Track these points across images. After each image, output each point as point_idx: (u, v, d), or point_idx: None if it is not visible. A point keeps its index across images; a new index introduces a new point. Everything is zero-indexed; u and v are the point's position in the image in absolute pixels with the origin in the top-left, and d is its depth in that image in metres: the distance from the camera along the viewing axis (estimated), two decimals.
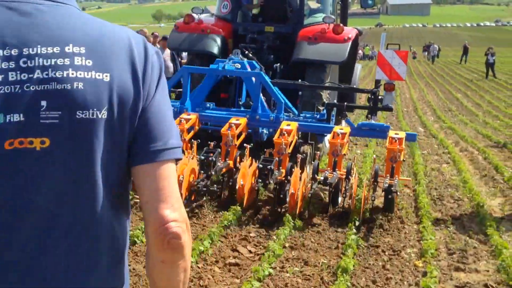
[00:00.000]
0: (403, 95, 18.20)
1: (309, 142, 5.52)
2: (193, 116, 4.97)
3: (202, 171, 4.35)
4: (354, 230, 4.04)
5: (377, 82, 5.92)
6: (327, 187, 4.45)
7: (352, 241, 3.72)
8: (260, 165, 4.29)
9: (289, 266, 3.45)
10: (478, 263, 3.57)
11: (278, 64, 6.43)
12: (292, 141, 4.68)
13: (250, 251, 3.78)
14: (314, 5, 7.16)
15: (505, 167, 6.48)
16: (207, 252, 3.62)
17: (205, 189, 4.27)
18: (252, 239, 3.96)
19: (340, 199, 4.56)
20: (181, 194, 4.25)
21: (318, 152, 5.04)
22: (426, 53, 45.04)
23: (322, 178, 4.25)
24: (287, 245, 3.80)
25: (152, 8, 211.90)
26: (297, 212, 4.24)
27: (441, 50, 44.94)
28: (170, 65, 11.11)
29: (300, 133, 5.26)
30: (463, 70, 29.91)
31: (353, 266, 3.36)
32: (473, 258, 3.64)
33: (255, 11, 7.24)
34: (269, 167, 4.23)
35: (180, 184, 4.25)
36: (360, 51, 38.70)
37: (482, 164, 6.83)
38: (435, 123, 11.86)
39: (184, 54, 11.89)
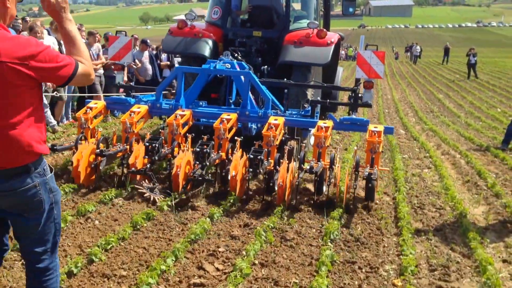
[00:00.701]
0: (384, 96, 18.09)
1: (295, 137, 5.79)
2: (187, 112, 5.35)
3: (198, 162, 4.67)
4: (330, 244, 3.77)
5: (357, 81, 6.29)
6: (312, 179, 4.86)
7: (327, 257, 3.44)
8: (251, 156, 4.61)
9: (257, 287, 3.16)
10: (462, 280, 3.33)
11: (266, 66, 6.82)
12: (279, 134, 5.02)
13: (217, 269, 3.46)
14: (299, 11, 7.67)
15: (488, 172, 6.30)
16: (169, 271, 3.30)
17: (201, 178, 4.57)
18: (220, 254, 3.65)
19: (324, 187, 4.87)
20: (178, 185, 4.57)
21: (304, 144, 5.37)
22: (409, 53, 45.30)
23: (308, 167, 4.58)
24: (257, 262, 3.49)
25: (139, 11, 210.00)
26: (286, 200, 4.54)
27: (423, 50, 45.24)
28: (149, 67, 10.70)
29: (286, 128, 5.54)
30: (444, 71, 30.06)
31: (327, 286, 3.08)
32: (456, 275, 3.39)
33: (243, 17, 7.64)
34: (259, 157, 4.57)
35: (177, 175, 4.55)
36: (343, 52, 38.78)
37: (464, 169, 6.63)
38: (416, 124, 11.71)
39: (163, 56, 11.52)
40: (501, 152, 7.73)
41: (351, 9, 8.04)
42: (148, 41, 11.10)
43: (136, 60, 10.25)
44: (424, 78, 25.56)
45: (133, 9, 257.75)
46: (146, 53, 10.71)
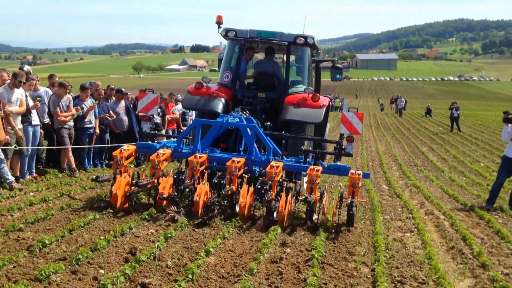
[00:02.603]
0: (369, 148, 17.93)
1: (293, 180, 7.24)
2: (204, 155, 6.57)
3: (215, 191, 5.92)
4: None
5: (341, 135, 7.55)
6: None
7: None
8: (258, 186, 5.86)
9: None
10: None
11: (269, 122, 8.04)
12: (279, 173, 6.22)
13: None
14: (295, 77, 9.03)
15: (473, 237, 5.88)
16: None
17: (217, 204, 5.83)
18: None
19: (315, 216, 6.05)
20: (198, 212, 5.75)
21: (299, 181, 7.04)
22: (394, 105, 46.06)
23: (303, 198, 5.83)
24: None
25: (133, 60, 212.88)
26: (284, 224, 5.76)
27: (407, 102, 46.08)
28: (125, 118, 10.30)
29: (284, 173, 6.78)
30: (428, 123, 30.36)
31: None
32: None
33: (250, 81, 8.97)
34: (264, 187, 5.84)
35: (198, 203, 5.76)
36: (330, 103, 39.17)
37: (448, 233, 6.22)
38: (400, 179, 11.41)
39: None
40: (486, 213, 7.38)
41: (338, 76, 9.69)
42: (123, 89, 10.74)
43: (111, 112, 9.90)
44: (408, 130, 25.68)
45: (127, 58, 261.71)
46: (122, 104, 10.32)
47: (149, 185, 6.29)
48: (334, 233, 5.75)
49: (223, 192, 5.91)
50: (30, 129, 7.73)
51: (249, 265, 4.38)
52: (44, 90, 8.79)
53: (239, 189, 6.04)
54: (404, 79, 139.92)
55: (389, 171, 12.40)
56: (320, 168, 6.40)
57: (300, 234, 5.60)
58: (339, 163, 7.12)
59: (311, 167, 6.30)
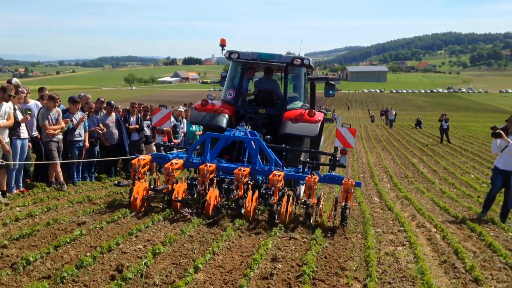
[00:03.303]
0: (360, 160, 17.95)
1: (291, 188, 8.00)
2: (213, 165, 7.30)
3: (224, 195, 6.68)
4: None
5: (335, 148, 8.29)
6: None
7: None
8: (263, 191, 6.61)
9: None
10: None
11: (269, 136, 8.72)
12: (281, 181, 6.88)
13: None
14: (292, 94, 9.66)
15: (465, 251, 5.84)
16: None
17: (227, 206, 6.71)
18: None
19: (312, 219, 6.80)
20: (209, 213, 6.56)
21: (298, 187, 7.70)
22: (384, 117, 46.41)
23: (303, 200, 6.76)
24: None
25: (125, 72, 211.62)
26: (286, 222, 6.59)
27: (397, 114, 46.47)
28: (115, 131, 10.21)
29: (284, 181, 7.26)
30: (418, 135, 30.57)
31: None
32: None
33: (251, 98, 9.74)
34: (269, 192, 6.58)
35: (208, 205, 6.56)
36: None
37: (440, 246, 6.18)
38: (391, 191, 11.41)
39: (132, 120, 11.09)
40: (477, 225, 7.36)
41: (331, 92, 10.44)
42: (113, 102, 10.63)
43: (101, 125, 9.80)
44: (398, 142, 25.81)
45: (119, 71, 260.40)
46: (113, 116, 10.22)
47: (165, 190, 7.06)
48: (326, 247, 5.68)
49: (232, 197, 6.63)
50: (19, 143, 7.59)
51: (239, 282, 4.29)
52: (34, 103, 8.67)
53: (245, 194, 6.78)
54: (394, 91, 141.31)
55: (380, 183, 12.40)
56: (317, 177, 7.15)
57: (291, 249, 5.53)
58: (333, 173, 7.82)
59: (309, 176, 7.05)
